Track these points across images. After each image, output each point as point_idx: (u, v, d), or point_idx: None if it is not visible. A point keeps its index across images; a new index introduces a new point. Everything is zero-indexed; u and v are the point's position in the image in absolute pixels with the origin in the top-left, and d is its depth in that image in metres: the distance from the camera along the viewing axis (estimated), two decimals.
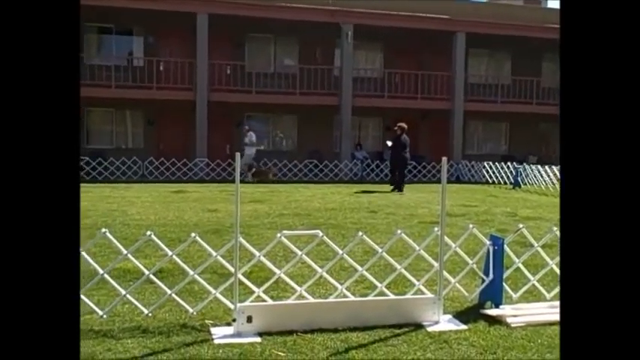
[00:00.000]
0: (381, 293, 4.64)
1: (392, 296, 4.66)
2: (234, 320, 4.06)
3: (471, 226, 4.94)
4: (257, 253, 4.44)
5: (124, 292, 4.26)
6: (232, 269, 4.27)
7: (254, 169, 19.52)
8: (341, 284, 4.65)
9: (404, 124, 16.58)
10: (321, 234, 4.53)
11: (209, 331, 4.08)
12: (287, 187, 16.90)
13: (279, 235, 4.44)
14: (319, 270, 4.59)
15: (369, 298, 4.59)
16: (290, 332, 4.07)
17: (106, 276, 4.25)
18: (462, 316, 4.56)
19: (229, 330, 4.07)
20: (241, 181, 17.58)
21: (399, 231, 4.76)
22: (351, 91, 21.98)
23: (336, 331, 4.14)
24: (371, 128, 24.97)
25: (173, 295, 4.31)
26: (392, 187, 16.35)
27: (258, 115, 23.35)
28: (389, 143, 17.19)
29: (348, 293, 4.63)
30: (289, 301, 4.45)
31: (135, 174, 19.69)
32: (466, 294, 4.91)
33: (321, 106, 22.26)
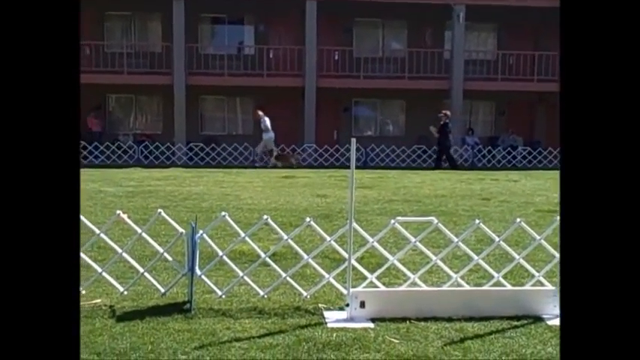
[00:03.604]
0: (498, 283, 4.47)
1: (509, 287, 4.48)
2: (347, 305, 4.07)
3: None
4: (370, 239, 4.43)
5: (241, 273, 4.40)
6: (345, 254, 4.29)
7: (276, 154, 19.37)
8: (455, 273, 4.53)
9: (448, 112, 19.54)
10: (435, 221, 4.43)
11: (322, 315, 4.12)
12: (395, 172, 16.76)
13: (392, 221, 4.39)
14: (433, 257, 4.49)
15: (485, 287, 4.44)
16: (403, 319, 4.02)
17: (224, 257, 4.41)
18: None
19: (342, 314, 4.09)
20: (265, 167, 17.61)
21: (518, 219, 4.55)
22: (462, 74, 21.34)
23: (450, 320, 4.04)
24: (482, 113, 24.17)
25: (287, 278, 4.40)
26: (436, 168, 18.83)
27: (365, 101, 23.30)
28: (433, 130, 19.40)
29: (462, 282, 4.50)
30: (402, 288, 4.40)
31: (246, 159, 20.32)
32: None
33: (430, 90, 21.81)
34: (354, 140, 4.01)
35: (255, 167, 18.77)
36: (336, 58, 21.93)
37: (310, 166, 19.16)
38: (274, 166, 18.58)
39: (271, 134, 19.29)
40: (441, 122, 19.13)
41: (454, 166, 18.94)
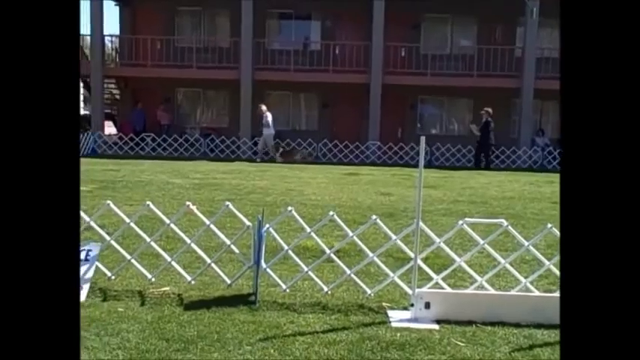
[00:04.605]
0: None
1: None
2: (411, 305, 4.02)
3: None
4: (437, 240, 4.35)
5: (306, 268, 4.41)
6: (410, 254, 4.24)
7: (281, 150, 19.35)
8: (524, 277, 4.40)
9: (490, 109, 18.50)
10: (505, 223, 4.31)
11: (386, 314, 4.09)
12: (461, 172, 16.45)
13: (460, 222, 4.30)
14: (502, 261, 4.37)
15: (556, 294, 4.28)
16: (469, 322, 3.93)
17: (290, 252, 4.44)
18: None
19: (406, 314, 4.04)
20: (267, 161, 17.32)
21: None
22: (533, 72, 20.68)
23: (518, 326, 3.92)
24: (554, 113, 23.37)
25: (352, 275, 4.38)
26: (476, 168, 18.15)
27: (431, 98, 22.98)
28: (474, 128, 19.03)
29: (532, 287, 4.36)
30: (469, 291, 4.30)
31: (309, 155, 20.41)
32: None
33: (499, 88, 21.25)
34: (422, 139, 3.95)
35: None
36: (403, 54, 21.70)
37: (374, 164, 19.07)
38: (278, 162, 18.59)
39: (272, 131, 19.38)
40: (483, 120, 18.60)
41: (477, 164, 18.38)
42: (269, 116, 19.19)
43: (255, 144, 20.55)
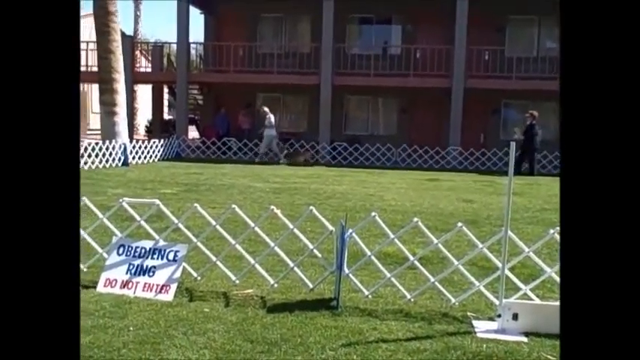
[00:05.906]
0: None
1: None
2: (498, 316, 3.88)
3: None
4: (525, 249, 4.20)
5: (388, 274, 4.36)
6: (497, 262, 4.10)
7: (285, 151, 19.31)
8: None
9: (535, 112, 17.88)
10: None
11: (471, 324, 3.97)
12: (547, 180, 15.83)
13: (551, 231, 4.13)
14: None
15: None
16: (559, 336, 3.75)
17: (372, 258, 4.40)
18: None
19: (492, 325, 3.92)
20: (274, 163, 17.00)
21: None
22: None
23: None
24: None
25: (436, 283, 4.29)
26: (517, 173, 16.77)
27: (515, 103, 22.29)
28: (517, 131, 18.39)
29: None
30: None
31: (388, 160, 20.27)
32: None
33: None
34: (512, 144, 3.82)
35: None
36: (487, 57, 21.17)
37: (454, 170, 18.70)
38: (283, 163, 18.53)
39: (273, 132, 19.38)
40: (527, 123, 17.72)
41: (532, 172, 17.42)
42: (271, 117, 19.44)
43: (334, 149, 20.65)
